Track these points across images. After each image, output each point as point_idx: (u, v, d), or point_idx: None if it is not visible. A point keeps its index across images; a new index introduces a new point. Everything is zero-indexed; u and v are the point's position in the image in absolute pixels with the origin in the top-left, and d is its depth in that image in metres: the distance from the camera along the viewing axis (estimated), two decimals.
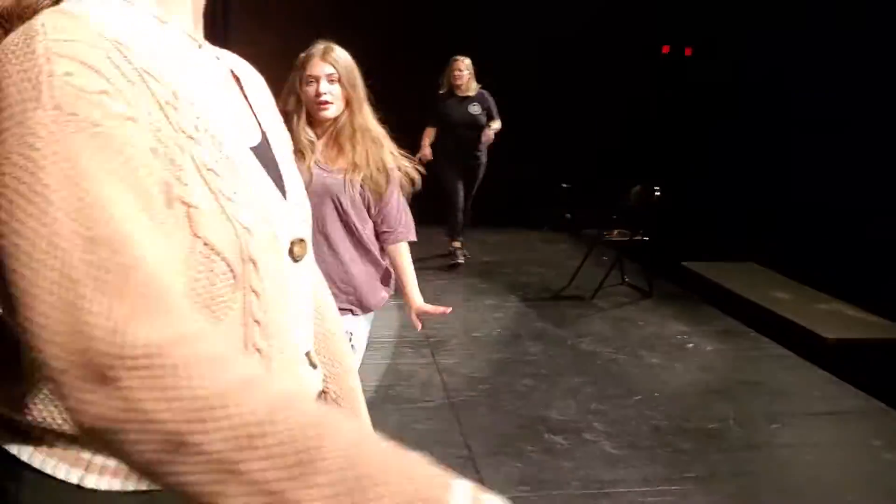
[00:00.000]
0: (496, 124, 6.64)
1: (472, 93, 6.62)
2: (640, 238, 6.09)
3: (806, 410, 4.05)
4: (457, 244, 6.99)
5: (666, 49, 13.20)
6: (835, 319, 6.01)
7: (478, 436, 3.68)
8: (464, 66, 6.56)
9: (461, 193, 6.84)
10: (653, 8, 9.88)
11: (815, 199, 7.72)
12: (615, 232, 6.30)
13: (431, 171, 5.69)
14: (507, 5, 8.98)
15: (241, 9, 8.98)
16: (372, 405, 3.73)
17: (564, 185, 9.77)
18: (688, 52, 13.01)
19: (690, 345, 5.03)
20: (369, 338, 4.85)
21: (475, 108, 6.60)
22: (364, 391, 3.86)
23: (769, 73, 8.53)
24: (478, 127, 6.59)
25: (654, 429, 3.80)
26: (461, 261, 6.93)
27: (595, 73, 9.18)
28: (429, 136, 6.73)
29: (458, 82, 6.58)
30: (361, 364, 4.45)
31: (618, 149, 8.88)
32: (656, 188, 6.06)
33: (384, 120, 2.69)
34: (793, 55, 8.03)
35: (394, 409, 3.93)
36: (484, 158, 6.83)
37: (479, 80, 6.69)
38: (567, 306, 5.87)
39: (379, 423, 3.58)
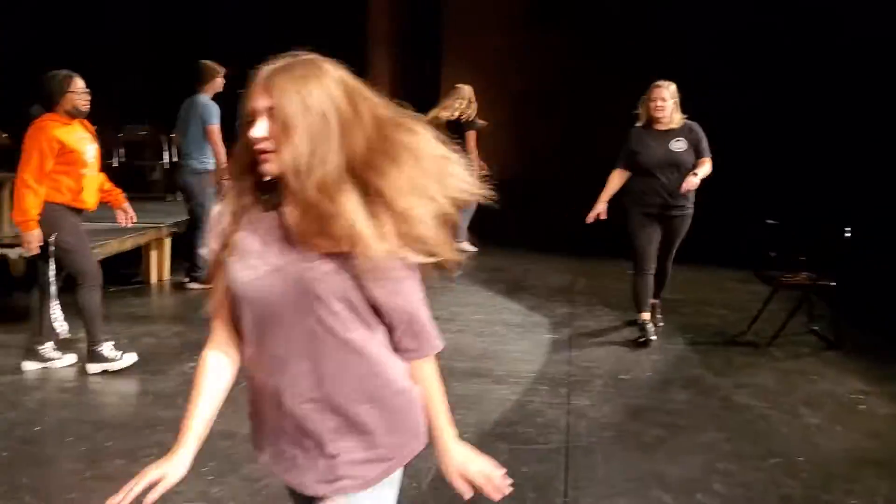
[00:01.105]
0: (705, 168, 5.36)
1: (675, 125, 5.48)
2: (825, 283, 5.50)
3: None
4: (645, 316, 5.62)
5: None
6: None
7: (582, 486, 3.48)
8: (668, 95, 5.46)
9: (653, 255, 5.59)
10: None
11: None
12: (803, 275, 5.74)
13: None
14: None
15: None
16: (482, 443, 3.70)
17: (770, 222, 9.10)
18: None
19: (863, 406, 4.47)
20: (508, 371, 4.83)
21: (680, 145, 5.45)
22: (481, 426, 3.83)
23: None
24: (682, 167, 5.40)
25: (783, 498, 3.40)
26: (652, 337, 5.52)
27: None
28: (616, 180, 5.64)
29: (659, 114, 5.47)
30: (488, 398, 4.41)
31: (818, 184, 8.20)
32: (847, 228, 5.48)
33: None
34: None
35: (504, 448, 3.80)
36: (690, 208, 5.57)
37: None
38: (737, 353, 5.44)
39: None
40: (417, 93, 10.29)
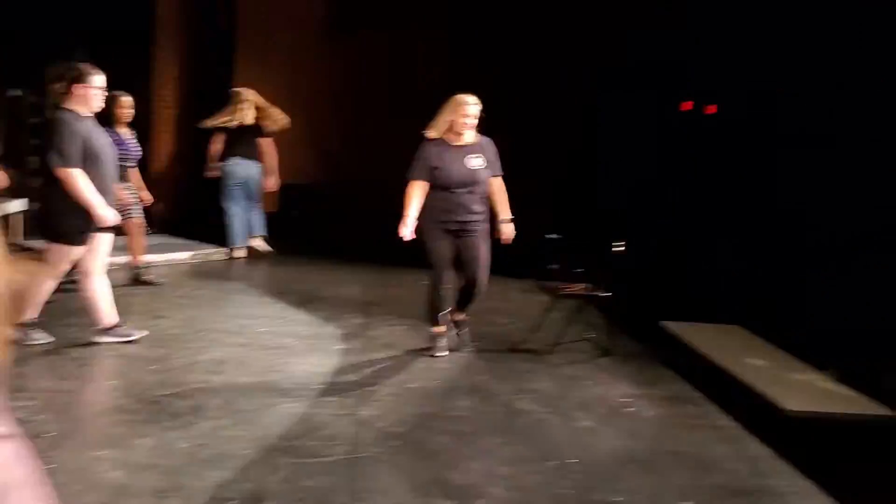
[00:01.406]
0: (503, 197, 5.59)
1: (471, 141, 5.49)
2: (600, 293, 5.85)
3: (726, 486, 3.78)
4: (438, 329, 5.62)
5: (687, 106, 12.98)
6: (803, 390, 5.70)
7: (365, 497, 3.48)
8: (477, 111, 5.44)
9: (450, 271, 5.62)
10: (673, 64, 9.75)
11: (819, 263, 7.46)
12: (580, 286, 6.07)
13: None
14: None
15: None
16: (264, 458, 3.58)
17: (550, 236, 9.58)
18: (711, 109, 12.78)
19: (632, 409, 4.78)
20: (295, 384, 4.76)
21: (478, 161, 5.46)
22: (263, 441, 3.72)
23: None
24: (480, 184, 5.46)
25: (557, 499, 3.57)
26: (442, 353, 5.58)
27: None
28: (420, 193, 5.47)
29: (466, 130, 5.45)
30: (272, 412, 4.32)
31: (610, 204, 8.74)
32: (620, 243, 5.85)
33: None
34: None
35: (287, 462, 3.73)
36: (484, 223, 5.60)
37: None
38: (519, 360, 5.65)
39: (262, 476, 3.40)
40: (208, 95, 10.01)
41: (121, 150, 6.66)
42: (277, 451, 3.86)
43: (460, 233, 5.47)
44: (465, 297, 5.76)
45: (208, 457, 3.72)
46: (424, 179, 5.44)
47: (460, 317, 5.87)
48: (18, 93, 9.80)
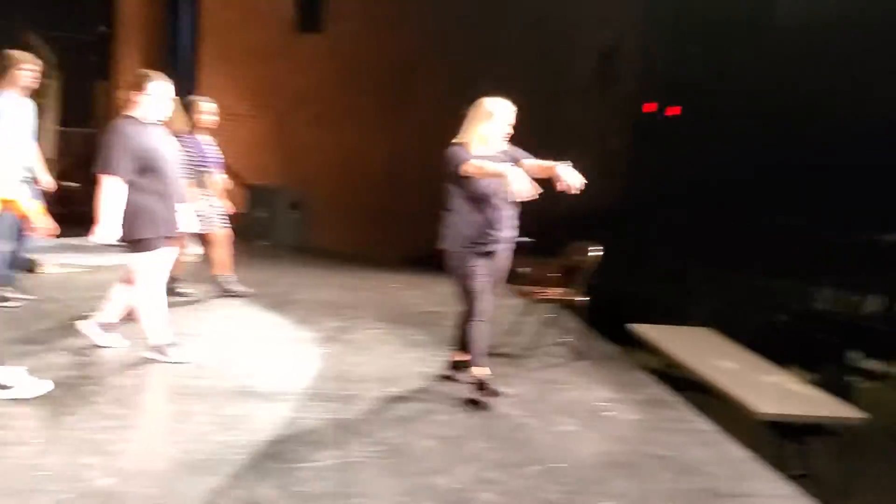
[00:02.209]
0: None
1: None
2: (577, 298, 5.92)
3: (712, 490, 3.86)
4: (487, 371, 4.91)
5: (650, 107, 13.18)
6: (774, 393, 5.84)
7: (360, 502, 3.49)
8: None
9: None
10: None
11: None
12: (556, 290, 6.13)
13: None
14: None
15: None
16: (253, 464, 3.58)
17: (523, 239, 9.64)
18: (675, 111, 12.97)
19: (611, 413, 4.85)
20: (280, 391, 4.74)
21: None
22: (251, 447, 3.73)
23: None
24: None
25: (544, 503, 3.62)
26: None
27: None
28: None
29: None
30: (257, 417, 4.31)
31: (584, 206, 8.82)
32: (597, 248, 5.92)
33: None
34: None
35: (276, 468, 3.73)
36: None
37: None
38: (497, 363, 5.64)
39: (254, 483, 3.40)
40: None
41: (197, 156, 6.59)
42: (266, 456, 3.85)
43: (493, 251, 4.88)
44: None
45: (198, 462, 3.70)
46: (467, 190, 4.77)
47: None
48: None
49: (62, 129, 11.80)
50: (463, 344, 5.04)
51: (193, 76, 9.90)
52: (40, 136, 9.20)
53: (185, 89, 9.79)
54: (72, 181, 11.48)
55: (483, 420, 4.57)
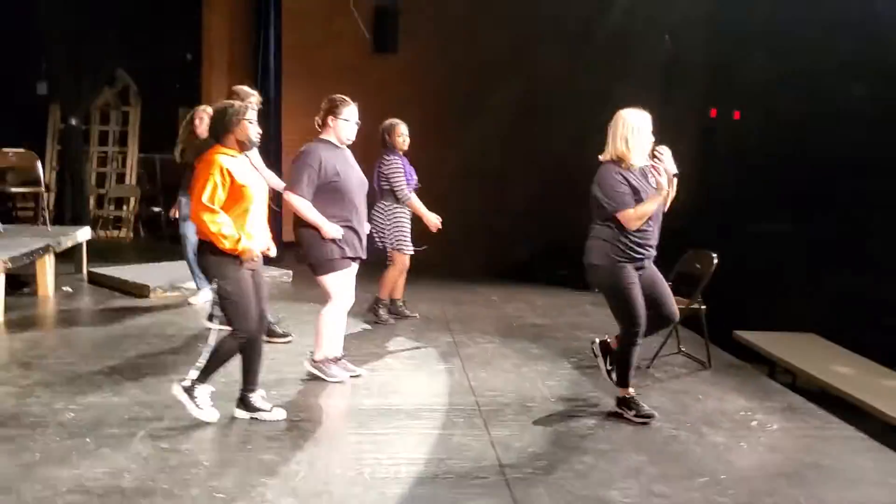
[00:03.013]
0: None
1: None
2: (698, 306, 5.87)
3: (882, 501, 3.81)
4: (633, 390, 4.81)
5: (713, 113, 13.05)
6: None
7: None
8: None
9: None
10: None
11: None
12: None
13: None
14: None
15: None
16: (422, 481, 3.62)
17: None
18: (736, 115, 12.85)
19: (754, 422, 4.80)
20: (422, 405, 4.78)
21: None
22: (414, 464, 3.77)
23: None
24: None
25: None
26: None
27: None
28: None
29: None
30: (409, 434, 4.35)
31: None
32: (714, 255, 5.88)
33: None
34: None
35: (446, 485, 3.76)
36: None
37: None
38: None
39: (429, 499, 3.44)
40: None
41: (404, 176, 6.72)
42: (433, 473, 3.88)
43: (645, 266, 4.74)
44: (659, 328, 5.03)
45: (369, 480, 3.75)
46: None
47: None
48: (73, 122, 9.88)
49: (143, 155, 12.06)
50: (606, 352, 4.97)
51: (279, 97, 10.04)
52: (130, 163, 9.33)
53: (272, 109, 9.97)
54: (157, 206, 11.74)
55: (631, 433, 4.55)
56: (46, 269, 7.66)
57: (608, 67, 9.80)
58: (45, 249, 7.48)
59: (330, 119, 5.13)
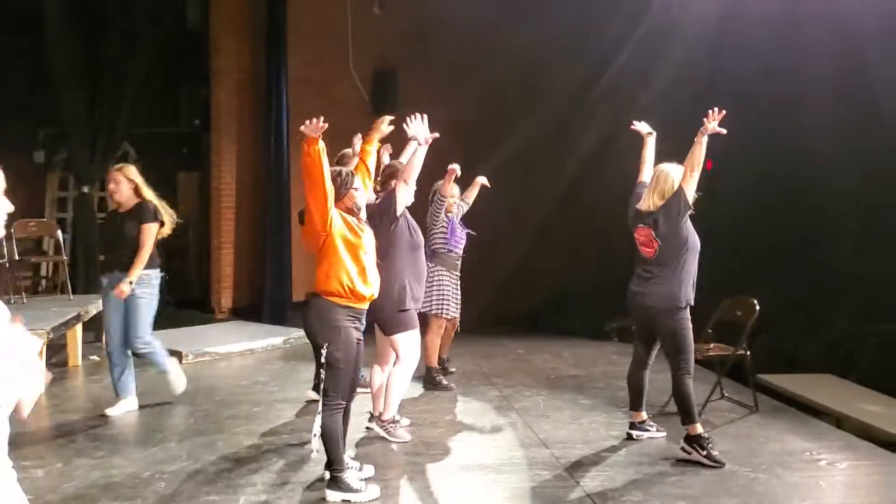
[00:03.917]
0: None
1: None
2: (744, 352, 6.10)
3: None
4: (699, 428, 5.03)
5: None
6: None
7: None
8: None
9: None
10: None
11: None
12: (712, 346, 6.30)
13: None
14: None
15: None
16: None
17: None
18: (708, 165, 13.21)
19: (823, 461, 5.00)
20: (499, 459, 4.89)
21: None
22: None
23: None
24: None
25: None
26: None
27: None
28: None
29: None
30: (502, 487, 4.46)
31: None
32: (754, 301, 6.11)
33: None
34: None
35: None
36: None
37: None
38: (677, 422, 5.82)
39: None
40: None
41: (454, 239, 6.79)
42: None
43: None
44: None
45: None
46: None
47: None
48: (85, 189, 9.89)
49: None
50: (634, 401, 5.39)
51: (286, 161, 10.17)
52: None
53: (279, 173, 10.10)
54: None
55: (714, 477, 4.70)
56: (77, 339, 7.62)
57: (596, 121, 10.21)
58: (77, 318, 7.45)
59: (396, 182, 5.25)
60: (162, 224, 5.94)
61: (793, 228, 9.09)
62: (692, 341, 5.02)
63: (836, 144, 8.61)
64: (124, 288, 5.71)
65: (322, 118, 4.06)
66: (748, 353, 6.11)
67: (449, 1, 10.70)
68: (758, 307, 6.07)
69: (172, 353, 7.70)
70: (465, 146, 11.23)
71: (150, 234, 5.84)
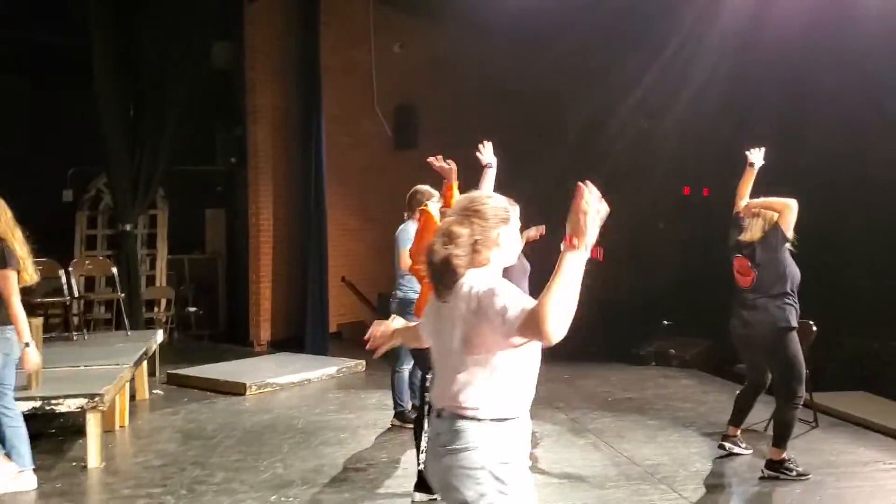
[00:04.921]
0: None
1: None
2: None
3: None
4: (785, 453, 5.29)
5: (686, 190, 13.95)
6: None
7: None
8: None
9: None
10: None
11: None
12: None
13: None
14: None
15: None
16: None
17: (666, 322, 10.27)
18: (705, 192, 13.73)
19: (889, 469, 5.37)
20: (598, 477, 5.16)
21: None
22: None
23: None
24: None
25: None
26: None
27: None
28: None
29: None
30: (606, 499, 4.74)
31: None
32: (811, 322, 6.45)
33: None
34: None
35: None
36: None
37: None
38: (749, 439, 6.04)
39: None
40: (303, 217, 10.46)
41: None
42: None
43: None
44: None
45: None
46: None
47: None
48: (127, 228, 10.11)
49: (171, 256, 12.24)
50: (736, 417, 5.67)
51: (324, 195, 10.44)
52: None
53: (321, 206, 10.38)
54: (193, 306, 11.89)
55: (805, 489, 5.02)
56: (144, 374, 7.81)
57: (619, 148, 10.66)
58: (146, 354, 7.65)
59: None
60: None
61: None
62: (803, 368, 5.23)
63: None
64: None
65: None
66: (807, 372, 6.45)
67: (466, 36, 11.18)
68: (815, 328, 6.43)
69: (234, 384, 7.99)
70: (474, 184, 11.67)
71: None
